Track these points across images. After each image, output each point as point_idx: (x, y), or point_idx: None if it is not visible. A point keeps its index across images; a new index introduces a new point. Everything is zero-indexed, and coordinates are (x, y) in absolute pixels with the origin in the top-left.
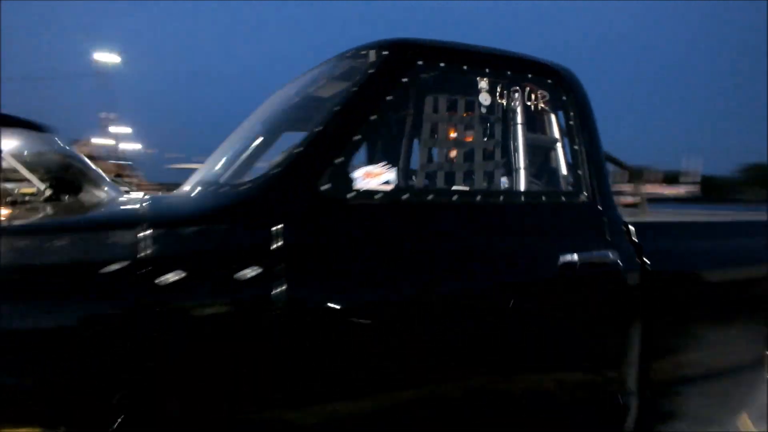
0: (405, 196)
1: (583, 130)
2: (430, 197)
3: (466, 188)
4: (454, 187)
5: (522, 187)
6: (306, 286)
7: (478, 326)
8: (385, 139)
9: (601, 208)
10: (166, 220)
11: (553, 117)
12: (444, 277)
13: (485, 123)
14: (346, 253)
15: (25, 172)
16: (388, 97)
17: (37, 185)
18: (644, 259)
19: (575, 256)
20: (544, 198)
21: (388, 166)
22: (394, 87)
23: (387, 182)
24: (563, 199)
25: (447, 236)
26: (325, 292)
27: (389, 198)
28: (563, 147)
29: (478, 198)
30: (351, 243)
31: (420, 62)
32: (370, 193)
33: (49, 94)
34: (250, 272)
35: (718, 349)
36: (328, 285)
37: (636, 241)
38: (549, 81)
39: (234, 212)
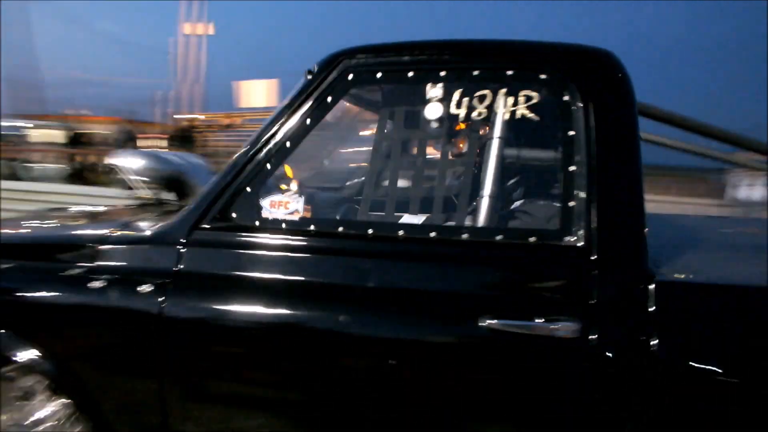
0: (311, 227)
1: (590, 143)
2: (339, 229)
3: (391, 221)
4: (373, 219)
5: (482, 221)
6: (196, 304)
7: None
8: (315, 164)
9: (595, 257)
10: (116, 240)
11: (572, 125)
12: (329, 315)
13: (438, 140)
14: (241, 279)
15: (140, 184)
16: (308, 122)
17: (147, 193)
18: (652, 342)
19: (504, 322)
20: (499, 237)
21: (294, 196)
22: (317, 109)
23: (296, 211)
24: (531, 239)
25: (348, 273)
26: (211, 311)
27: (295, 227)
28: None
29: (401, 233)
30: (250, 269)
31: (351, 77)
32: (276, 222)
33: None
34: (147, 287)
35: None
36: (217, 304)
37: (653, 311)
38: (543, 76)
39: (157, 237)
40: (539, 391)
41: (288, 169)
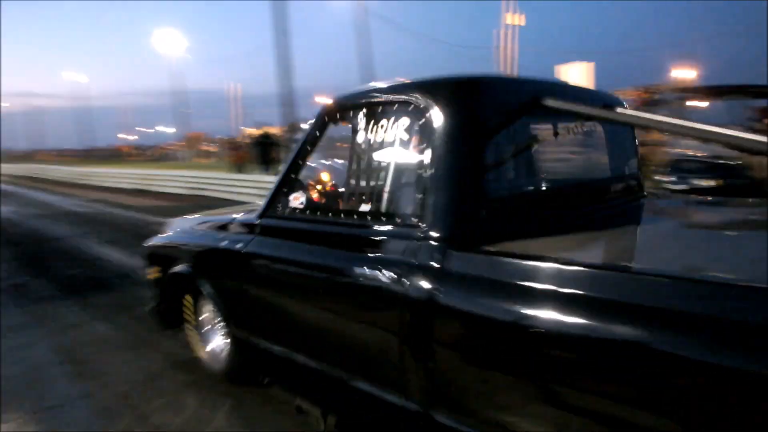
0: (307, 213)
1: (436, 152)
2: (317, 214)
3: (349, 209)
4: (330, 208)
5: (380, 208)
6: (256, 254)
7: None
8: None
9: (426, 233)
10: (233, 224)
11: (427, 139)
12: (303, 261)
13: (372, 154)
14: (273, 241)
15: None
16: (308, 148)
17: None
18: (437, 294)
19: (361, 270)
20: (384, 218)
21: (301, 192)
22: (312, 140)
23: (302, 203)
24: (398, 220)
25: (314, 238)
26: (259, 256)
27: (303, 214)
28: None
29: (342, 216)
30: (279, 236)
31: (326, 118)
32: (294, 210)
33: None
34: (240, 245)
35: None
36: (264, 253)
37: (446, 271)
38: (416, 106)
39: (250, 221)
40: (368, 315)
41: (326, 174)
